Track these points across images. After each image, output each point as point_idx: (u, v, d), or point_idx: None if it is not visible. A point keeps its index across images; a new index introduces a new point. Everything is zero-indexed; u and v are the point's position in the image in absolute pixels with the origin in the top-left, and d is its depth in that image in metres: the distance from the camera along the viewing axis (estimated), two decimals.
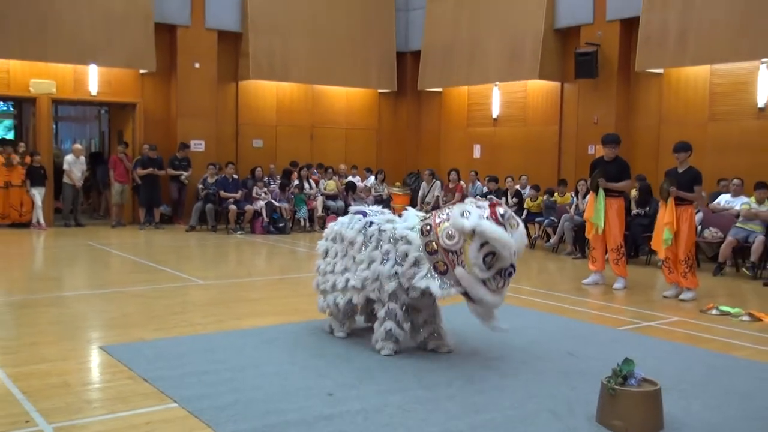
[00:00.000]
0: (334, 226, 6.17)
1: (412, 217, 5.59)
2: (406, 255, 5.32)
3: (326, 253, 6.12)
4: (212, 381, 4.76)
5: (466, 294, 5.19)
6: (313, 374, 4.98)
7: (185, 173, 14.76)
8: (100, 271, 9.70)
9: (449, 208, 5.35)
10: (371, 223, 5.72)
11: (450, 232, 5.09)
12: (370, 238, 5.62)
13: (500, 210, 5.12)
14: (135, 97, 15.17)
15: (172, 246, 12.28)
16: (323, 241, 6.22)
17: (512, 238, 5.04)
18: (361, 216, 5.95)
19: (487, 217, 5.03)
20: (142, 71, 14.95)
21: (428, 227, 5.26)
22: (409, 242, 5.33)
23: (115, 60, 14.38)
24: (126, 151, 14.76)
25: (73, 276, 9.47)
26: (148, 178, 14.38)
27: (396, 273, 5.34)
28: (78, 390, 4.62)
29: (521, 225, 5.30)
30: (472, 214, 5.07)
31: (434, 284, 5.17)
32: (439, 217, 5.30)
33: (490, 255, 5.01)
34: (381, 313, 5.49)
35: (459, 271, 5.07)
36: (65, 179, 14.27)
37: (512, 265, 5.11)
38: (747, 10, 11.47)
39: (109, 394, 4.56)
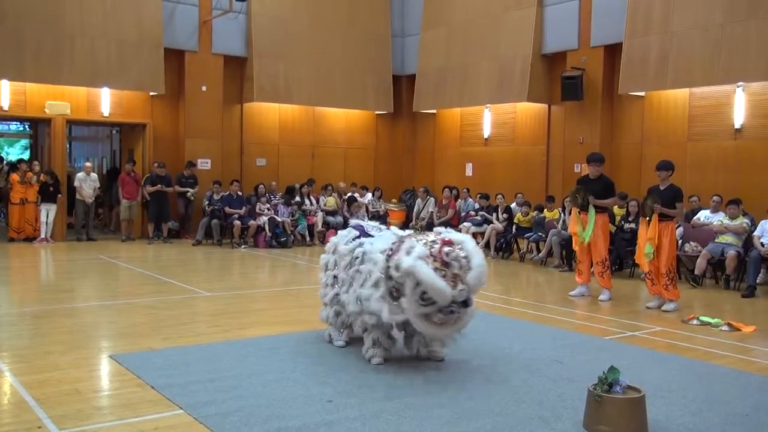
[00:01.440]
0: (334, 240, 6.18)
1: (387, 238, 5.41)
2: (370, 274, 5.24)
3: (326, 267, 6.13)
4: (217, 388, 4.73)
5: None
6: (313, 382, 4.96)
7: (192, 190, 14.78)
8: (111, 283, 9.67)
9: (410, 239, 5.14)
10: (361, 243, 5.64)
11: (397, 264, 4.94)
12: (356, 258, 5.57)
13: (446, 250, 4.90)
14: (145, 118, 15.21)
15: (179, 259, 12.25)
16: (325, 255, 6.22)
17: (460, 277, 4.83)
18: (356, 232, 5.96)
19: (433, 254, 4.85)
20: (152, 94, 15.00)
21: (391, 252, 5.12)
22: (374, 263, 5.22)
23: (127, 83, 14.43)
24: (134, 169, 14.78)
25: (85, 288, 9.43)
26: (156, 195, 14.39)
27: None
28: (89, 397, 4.59)
29: (477, 261, 4.96)
30: (413, 252, 4.87)
31: (385, 309, 5.06)
32: (398, 244, 5.13)
33: (425, 295, 4.83)
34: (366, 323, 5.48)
35: (402, 301, 4.97)
36: (77, 196, 14.29)
37: (454, 303, 4.84)
38: (723, 37, 11.56)
39: (118, 401, 4.54)
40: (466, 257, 4.95)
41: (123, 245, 13.92)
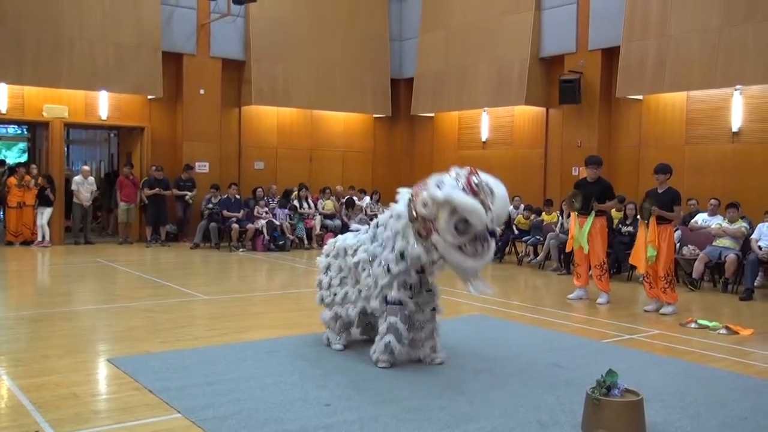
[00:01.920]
0: (335, 243, 6.17)
1: (404, 195, 5.52)
2: (396, 233, 5.35)
3: (327, 268, 6.12)
4: (215, 392, 4.73)
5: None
6: (311, 385, 4.96)
7: (190, 193, 14.78)
8: (108, 286, 9.65)
9: (433, 176, 5.28)
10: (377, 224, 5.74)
11: (425, 201, 5.09)
12: (374, 236, 5.66)
13: (475, 179, 5.05)
14: (143, 121, 15.21)
15: (177, 263, 12.24)
16: (323, 258, 6.21)
17: (488, 205, 4.95)
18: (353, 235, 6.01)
19: (462, 187, 4.98)
20: (150, 97, 15.00)
21: (411, 197, 5.30)
22: (399, 217, 5.37)
23: (125, 86, 14.43)
24: (132, 172, 14.78)
25: (83, 291, 9.42)
26: (154, 198, 14.40)
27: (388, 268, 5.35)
28: (86, 401, 4.58)
29: (501, 191, 5.13)
30: (445, 184, 5.03)
31: (421, 251, 5.17)
32: (419, 187, 5.28)
33: (462, 222, 4.96)
34: (383, 327, 5.44)
35: (435, 237, 5.07)
36: (74, 199, 14.30)
37: (489, 231, 5.02)
38: (720, 41, 11.58)
39: (115, 405, 4.53)
40: (488, 185, 5.09)
41: (121, 248, 13.91)
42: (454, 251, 5.03)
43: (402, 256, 5.30)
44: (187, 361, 5.50)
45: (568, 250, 9.40)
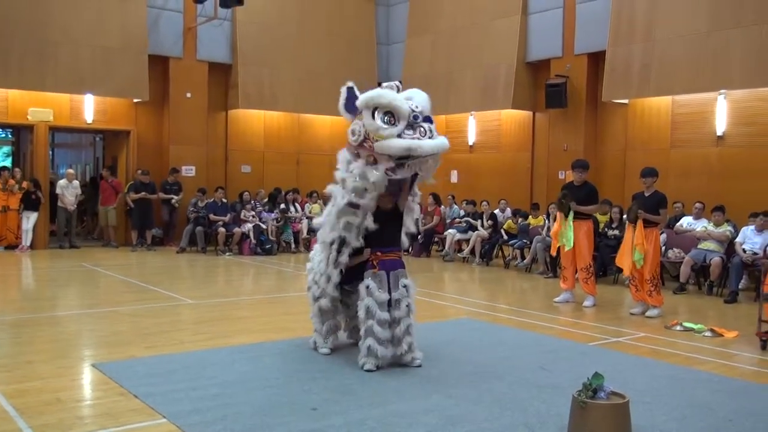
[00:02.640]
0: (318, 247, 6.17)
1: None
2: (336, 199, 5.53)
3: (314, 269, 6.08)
4: (201, 397, 4.70)
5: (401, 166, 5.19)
6: (298, 389, 4.94)
7: (176, 197, 14.72)
8: (93, 291, 9.58)
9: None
10: None
11: (352, 130, 5.33)
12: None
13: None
14: (129, 124, 15.13)
15: (163, 267, 12.18)
16: (310, 264, 6.18)
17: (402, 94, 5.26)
18: None
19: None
20: (135, 100, 14.92)
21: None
22: (338, 176, 5.56)
23: (110, 90, 14.35)
24: (111, 175, 14.76)
25: (67, 296, 9.35)
26: (140, 202, 14.33)
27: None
28: (70, 406, 4.54)
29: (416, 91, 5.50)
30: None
31: (376, 173, 5.20)
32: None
33: (387, 115, 5.13)
34: (362, 331, 5.51)
35: (378, 145, 5.13)
36: (59, 203, 14.20)
37: (419, 112, 5.21)
38: (705, 45, 11.67)
39: (100, 410, 4.49)
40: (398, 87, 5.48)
41: (106, 253, 13.82)
42: (397, 141, 5.08)
43: (358, 188, 5.33)
44: (173, 366, 5.47)
45: (552, 252, 9.43)
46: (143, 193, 14.34)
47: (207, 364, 5.54)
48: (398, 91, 5.38)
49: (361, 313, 5.47)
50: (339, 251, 5.51)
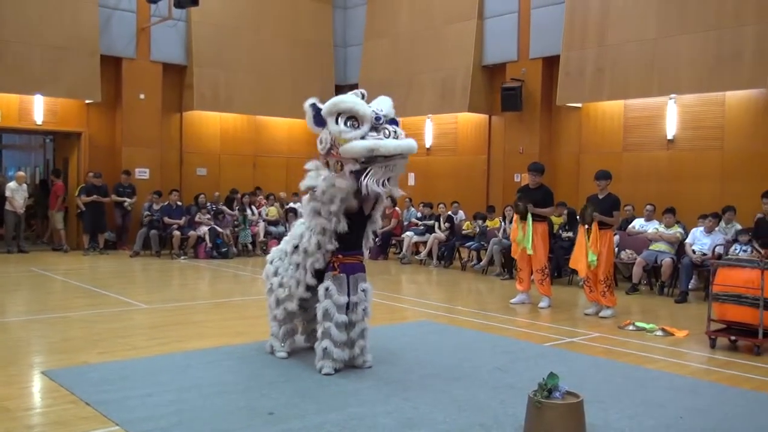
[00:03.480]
0: (278, 248, 6.16)
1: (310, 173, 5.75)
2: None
3: (276, 272, 6.03)
4: (155, 403, 4.63)
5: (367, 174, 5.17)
6: (255, 394, 4.90)
7: (129, 200, 14.48)
8: (43, 296, 9.35)
9: None
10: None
11: (320, 139, 5.41)
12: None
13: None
14: (80, 126, 14.81)
15: (116, 271, 11.95)
16: (270, 266, 6.12)
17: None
18: None
19: None
20: (87, 101, 14.62)
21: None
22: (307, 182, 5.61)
23: (61, 90, 14.03)
24: (56, 179, 14.44)
25: (16, 302, 9.10)
26: (92, 205, 14.02)
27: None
28: (18, 415, 4.42)
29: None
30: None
31: (342, 181, 5.25)
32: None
33: (350, 119, 5.18)
34: (318, 333, 5.50)
35: (342, 149, 5.18)
36: (7, 206, 13.81)
37: (384, 117, 5.23)
38: (655, 51, 11.94)
39: (50, 419, 4.38)
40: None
41: (56, 257, 13.50)
42: (362, 141, 5.11)
43: (328, 196, 5.37)
44: (127, 372, 5.37)
45: (513, 255, 9.53)
46: (95, 196, 14.05)
47: (162, 370, 5.46)
48: (362, 98, 5.41)
49: (319, 315, 5.47)
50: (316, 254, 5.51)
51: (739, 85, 11.16)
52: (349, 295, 5.48)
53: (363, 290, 5.60)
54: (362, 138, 5.13)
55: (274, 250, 6.20)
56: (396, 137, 5.22)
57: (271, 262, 6.11)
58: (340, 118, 5.20)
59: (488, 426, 4.32)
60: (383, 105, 5.43)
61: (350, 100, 5.27)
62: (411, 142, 5.27)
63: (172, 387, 4.99)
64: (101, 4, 14.37)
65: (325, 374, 5.37)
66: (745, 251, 8.75)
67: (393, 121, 5.32)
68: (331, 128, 5.24)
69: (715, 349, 6.74)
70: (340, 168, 5.28)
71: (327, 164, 5.45)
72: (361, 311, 5.58)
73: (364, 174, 5.14)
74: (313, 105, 5.46)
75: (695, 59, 11.44)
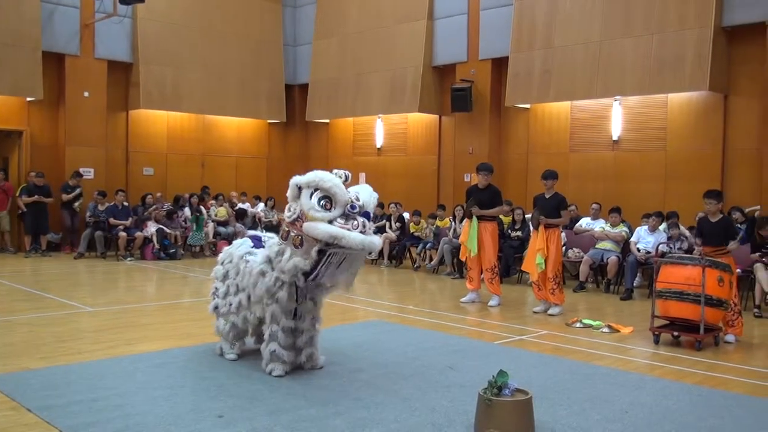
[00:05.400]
0: (228, 249, 6.07)
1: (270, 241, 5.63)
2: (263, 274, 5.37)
3: (225, 276, 5.96)
4: (101, 408, 4.52)
5: (326, 259, 5.05)
6: (203, 397, 4.83)
7: (78, 201, 14.13)
8: None
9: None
10: (251, 253, 5.74)
11: (288, 206, 5.15)
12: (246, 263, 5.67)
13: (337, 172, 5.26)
14: (21, 124, 14.39)
15: (60, 273, 11.65)
16: (220, 266, 6.06)
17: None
18: (250, 242, 5.90)
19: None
20: (29, 99, 14.21)
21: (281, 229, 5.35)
22: (263, 274, 5.35)
23: (1, 87, 13.60)
24: (2, 179, 14.01)
25: None
26: (34, 206, 13.63)
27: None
28: None
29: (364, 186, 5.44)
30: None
31: (299, 260, 5.07)
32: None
33: (325, 199, 5.00)
34: (265, 336, 5.46)
35: (307, 226, 4.98)
36: None
37: (358, 203, 5.07)
38: (601, 54, 12.20)
39: None
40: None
41: None
42: (326, 226, 4.92)
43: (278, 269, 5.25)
44: (71, 377, 5.24)
45: (462, 257, 9.63)
46: (37, 196, 13.66)
47: (108, 374, 5.34)
48: (345, 179, 5.20)
49: (267, 317, 5.42)
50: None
51: (681, 88, 11.48)
52: (297, 301, 5.43)
53: (311, 299, 5.54)
54: (330, 222, 4.97)
55: (226, 250, 6.12)
56: (363, 231, 5.03)
57: (222, 263, 6.04)
58: (315, 195, 5.02)
59: (439, 425, 4.35)
60: (363, 195, 5.22)
61: (332, 180, 5.04)
62: (375, 241, 5.12)
63: (118, 391, 4.89)
64: None
65: (276, 376, 5.33)
66: (680, 249, 9.14)
67: (366, 214, 5.14)
68: (303, 201, 5.03)
69: (658, 345, 6.92)
70: (299, 241, 5.10)
71: (287, 233, 5.18)
72: (310, 320, 5.54)
73: (323, 260, 5.03)
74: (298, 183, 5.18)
75: (639, 62, 11.73)
